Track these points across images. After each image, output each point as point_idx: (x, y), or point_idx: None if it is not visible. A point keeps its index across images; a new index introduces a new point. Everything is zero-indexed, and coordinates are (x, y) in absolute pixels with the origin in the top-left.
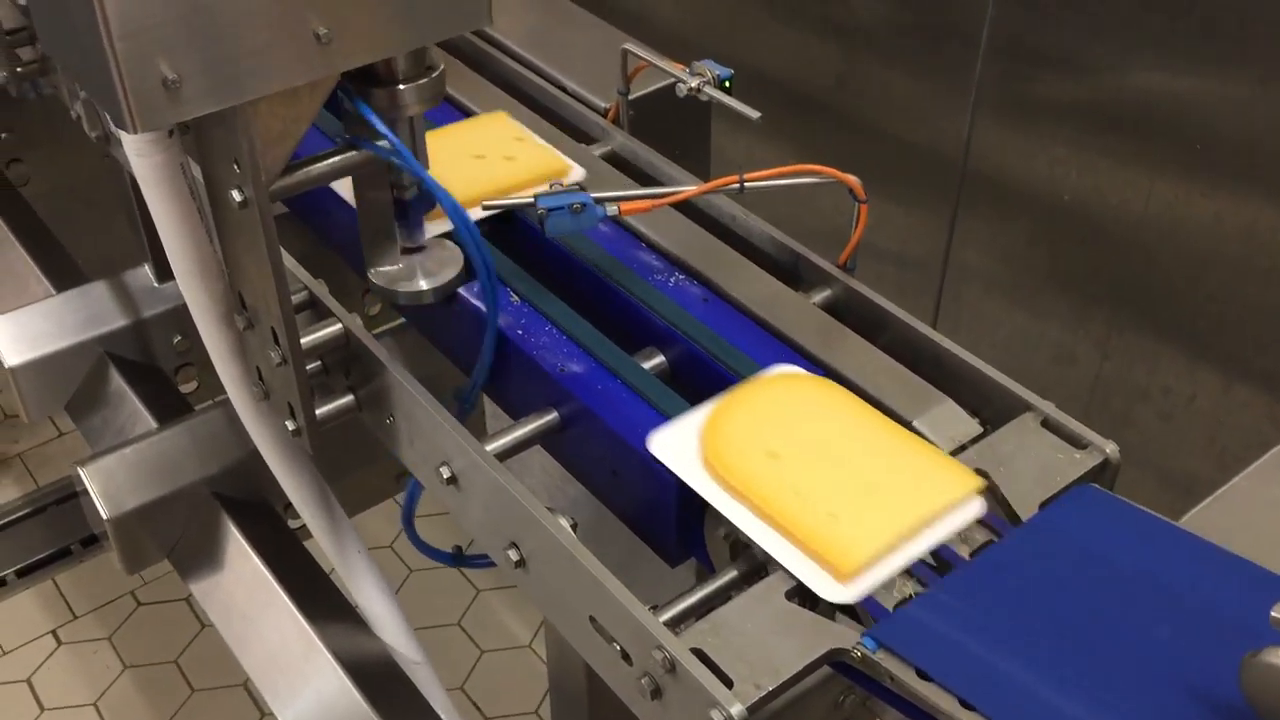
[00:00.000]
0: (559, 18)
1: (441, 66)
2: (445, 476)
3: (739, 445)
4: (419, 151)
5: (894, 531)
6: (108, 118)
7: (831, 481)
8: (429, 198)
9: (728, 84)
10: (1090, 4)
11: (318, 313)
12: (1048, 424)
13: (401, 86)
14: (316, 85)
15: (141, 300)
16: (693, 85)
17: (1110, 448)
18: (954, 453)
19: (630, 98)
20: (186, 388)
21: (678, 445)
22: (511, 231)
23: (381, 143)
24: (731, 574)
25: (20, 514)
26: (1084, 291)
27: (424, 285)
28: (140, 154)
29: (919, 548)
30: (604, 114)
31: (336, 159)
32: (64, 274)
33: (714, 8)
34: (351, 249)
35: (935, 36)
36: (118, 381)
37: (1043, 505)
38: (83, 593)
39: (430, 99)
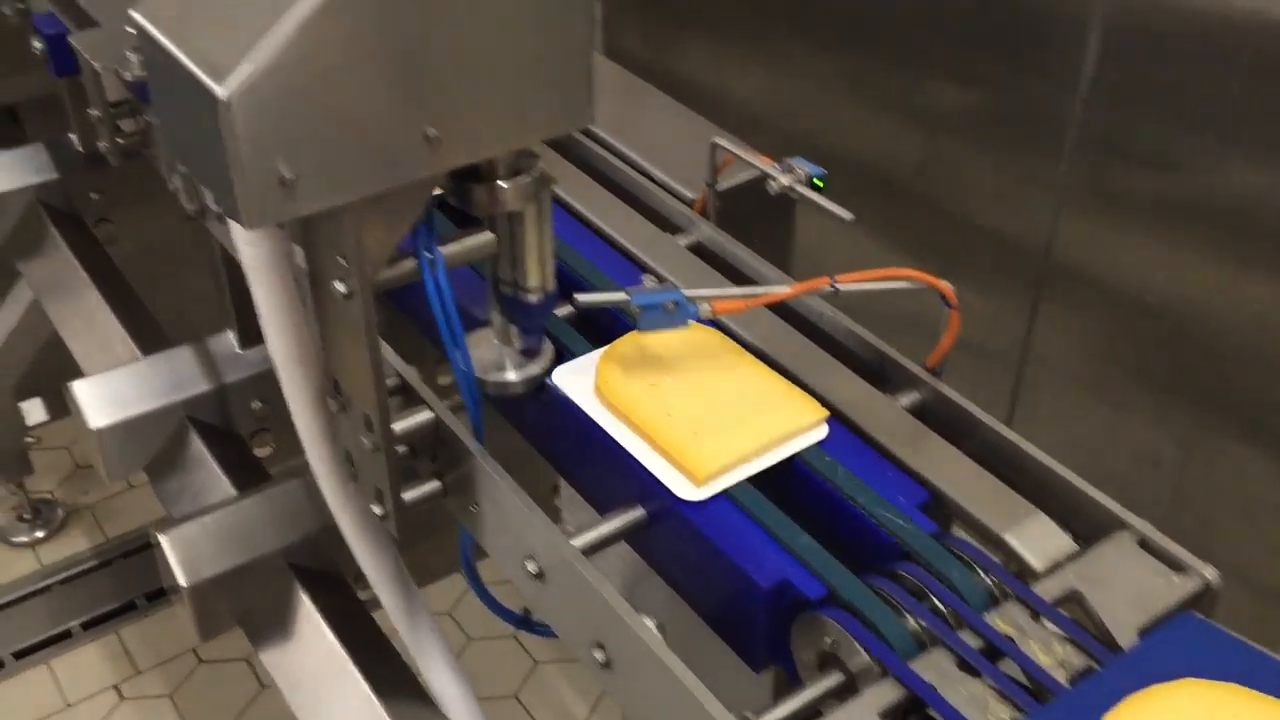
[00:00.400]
0: (647, 105)
1: (542, 167)
2: (532, 571)
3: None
4: (517, 249)
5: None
6: (207, 194)
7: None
8: (551, 301)
9: (819, 182)
10: (1186, 101)
11: (408, 398)
12: (1145, 544)
13: (501, 183)
14: (423, 183)
15: (224, 366)
16: (784, 183)
17: (1210, 572)
18: (1048, 570)
19: (718, 189)
20: (261, 452)
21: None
22: (601, 323)
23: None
24: (821, 688)
25: (88, 566)
26: (1168, 391)
27: (512, 377)
28: (249, 243)
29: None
30: (691, 204)
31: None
32: (150, 337)
33: (794, 91)
34: (427, 318)
35: (1020, 126)
36: (197, 446)
37: (1141, 631)
38: (146, 648)
39: (530, 196)
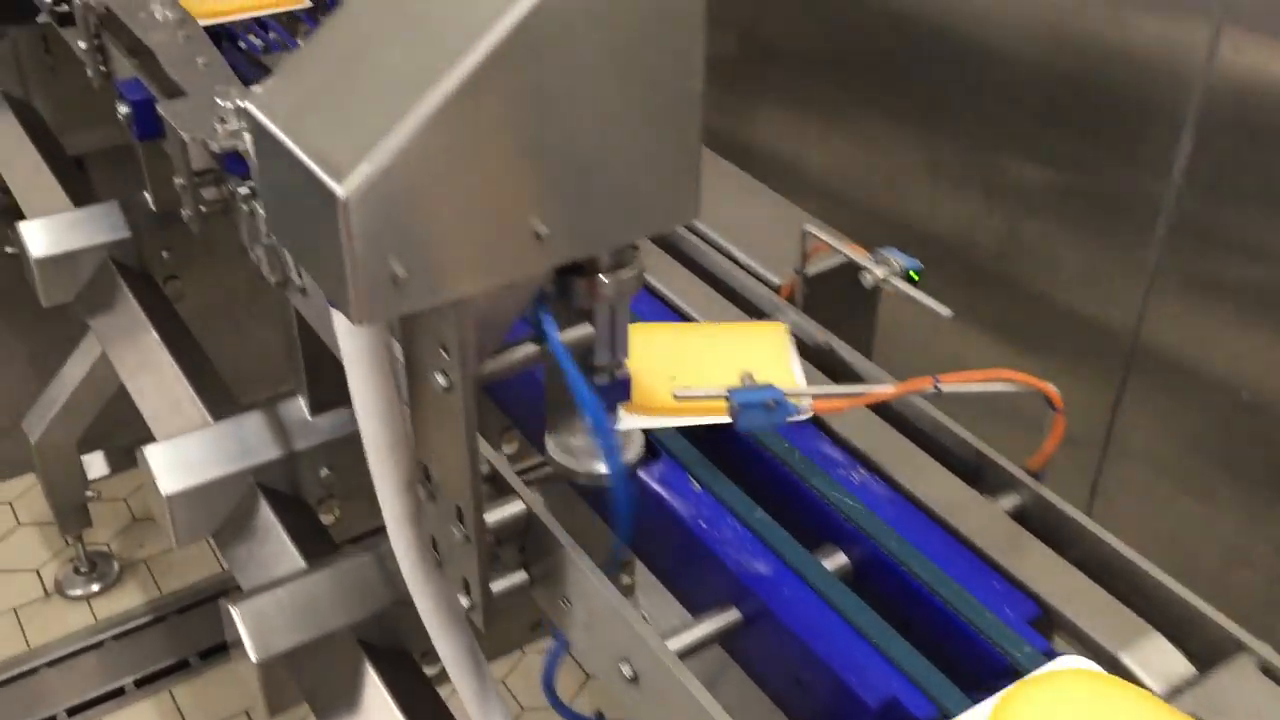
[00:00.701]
0: (730, 187)
1: (641, 263)
2: (627, 675)
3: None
4: (617, 339)
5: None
6: (290, 264)
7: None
8: (624, 386)
9: (914, 275)
10: None
11: (497, 486)
12: (1266, 669)
13: (603, 278)
14: (530, 279)
15: (294, 432)
16: (879, 276)
17: None
18: (1167, 696)
19: (807, 274)
20: (326, 518)
21: None
22: None
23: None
24: None
25: (142, 621)
26: (1262, 489)
27: (604, 469)
28: (351, 334)
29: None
30: (777, 290)
31: (536, 347)
32: (218, 400)
33: (874, 167)
34: (501, 390)
35: (1110, 211)
36: (266, 513)
37: None
38: (199, 708)
39: (631, 290)
